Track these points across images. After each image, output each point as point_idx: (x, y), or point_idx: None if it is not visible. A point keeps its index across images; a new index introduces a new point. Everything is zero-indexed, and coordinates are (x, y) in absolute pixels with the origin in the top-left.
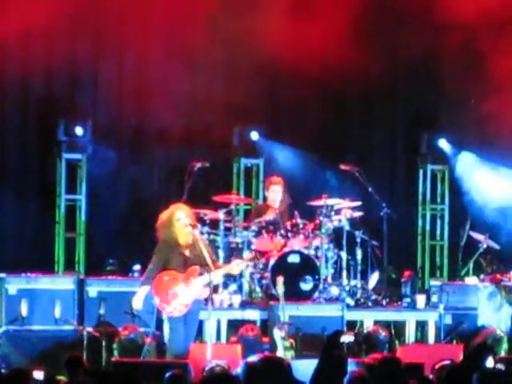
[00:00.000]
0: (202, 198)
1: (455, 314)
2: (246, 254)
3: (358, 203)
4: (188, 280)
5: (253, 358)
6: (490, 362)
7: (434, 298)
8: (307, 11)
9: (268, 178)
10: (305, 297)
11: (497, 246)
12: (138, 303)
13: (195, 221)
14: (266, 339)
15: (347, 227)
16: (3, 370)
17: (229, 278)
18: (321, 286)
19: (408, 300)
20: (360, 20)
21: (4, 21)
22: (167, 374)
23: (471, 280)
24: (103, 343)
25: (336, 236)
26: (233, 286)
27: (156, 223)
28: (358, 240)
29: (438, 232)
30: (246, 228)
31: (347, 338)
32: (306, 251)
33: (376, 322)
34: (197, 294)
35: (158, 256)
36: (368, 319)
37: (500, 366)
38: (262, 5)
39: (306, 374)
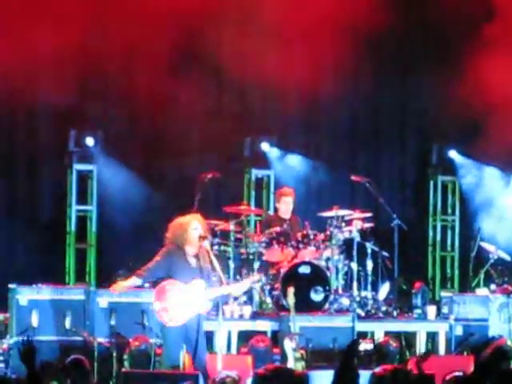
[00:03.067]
0: (212, 208)
1: (466, 325)
2: (254, 275)
3: (369, 214)
4: (189, 292)
5: (263, 369)
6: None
7: (445, 309)
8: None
9: (279, 189)
10: (315, 308)
11: (508, 257)
12: (117, 288)
13: (207, 233)
14: (276, 350)
15: (358, 238)
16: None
17: None
18: (331, 297)
19: (419, 311)
20: (370, 33)
21: (14, 32)
22: None
23: (482, 291)
24: (114, 354)
25: (347, 247)
26: (243, 297)
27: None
28: (369, 251)
29: (449, 243)
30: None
31: (366, 346)
32: (316, 262)
33: (387, 333)
34: (196, 307)
35: (162, 258)
36: (379, 330)
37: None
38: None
39: None
